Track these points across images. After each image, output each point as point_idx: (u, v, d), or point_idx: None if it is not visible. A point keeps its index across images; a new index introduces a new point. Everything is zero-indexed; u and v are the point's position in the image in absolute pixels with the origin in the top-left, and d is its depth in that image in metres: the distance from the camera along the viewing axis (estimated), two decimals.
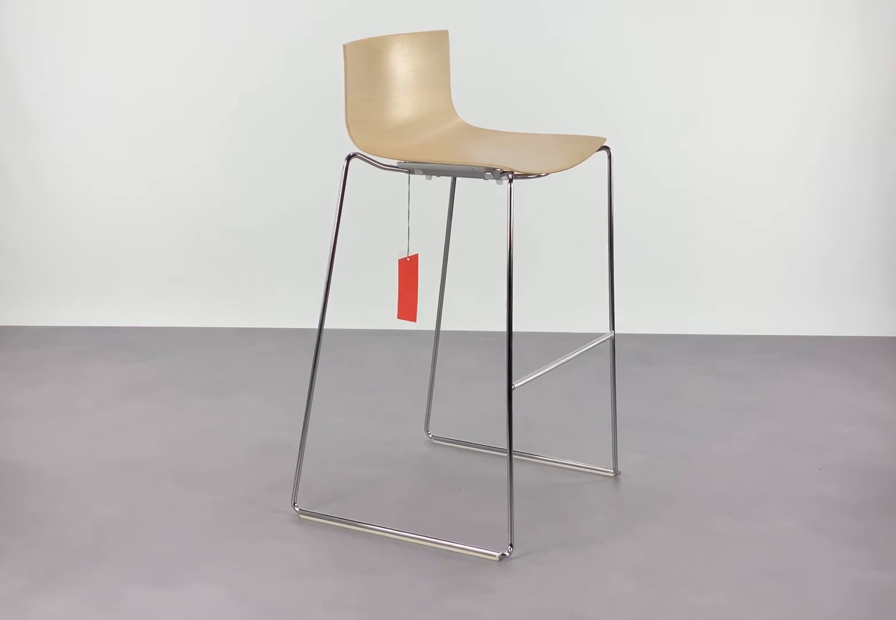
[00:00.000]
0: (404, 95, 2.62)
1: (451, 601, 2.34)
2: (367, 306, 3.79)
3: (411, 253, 2.66)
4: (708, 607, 2.33)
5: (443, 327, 3.06)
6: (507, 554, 2.49)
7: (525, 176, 2.43)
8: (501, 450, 2.96)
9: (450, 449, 3.02)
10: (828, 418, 3.19)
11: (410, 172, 2.53)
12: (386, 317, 3.75)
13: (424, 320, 3.67)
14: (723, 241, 3.83)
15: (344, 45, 2.44)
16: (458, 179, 2.79)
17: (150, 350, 3.67)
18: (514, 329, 2.57)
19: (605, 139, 2.67)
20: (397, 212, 3.39)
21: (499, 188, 3.36)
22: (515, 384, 2.51)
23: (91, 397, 3.32)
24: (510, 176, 2.41)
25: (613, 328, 2.83)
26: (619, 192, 3.62)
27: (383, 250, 3.65)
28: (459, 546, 2.52)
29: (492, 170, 2.42)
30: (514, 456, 2.93)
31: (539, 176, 2.44)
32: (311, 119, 3.80)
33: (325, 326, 2.67)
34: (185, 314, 3.88)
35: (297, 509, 2.66)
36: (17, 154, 3.85)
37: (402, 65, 2.61)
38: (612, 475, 2.86)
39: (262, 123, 3.83)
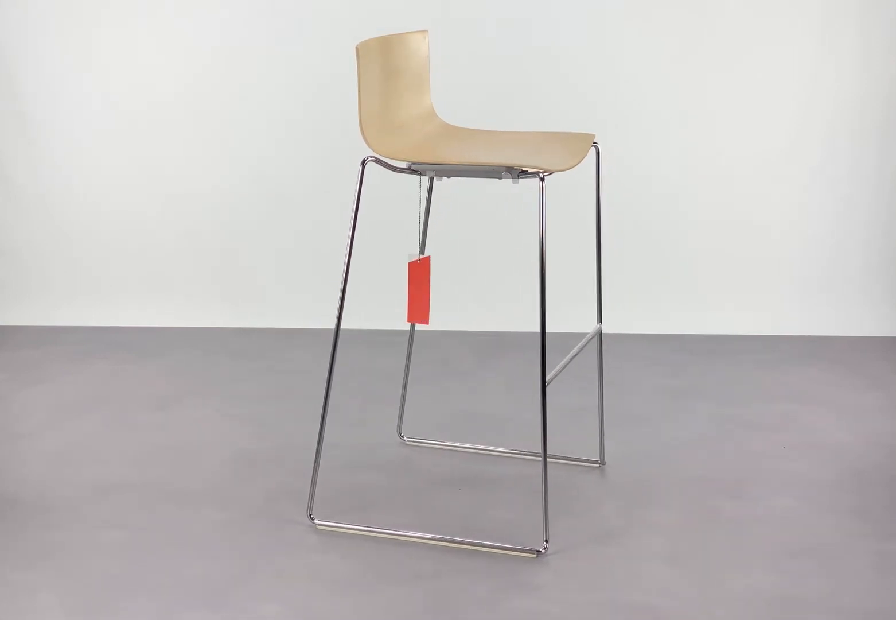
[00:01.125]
0: (400, 97, 2.60)
1: (513, 601, 2.31)
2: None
3: (422, 255, 2.64)
4: (755, 585, 2.36)
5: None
6: (543, 551, 2.48)
7: (543, 174, 2.42)
8: (479, 449, 2.97)
9: (428, 450, 2.99)
10: (821, 413, 3.21)
11: (422, 173, 2.51)
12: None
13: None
14: (723, 241, 3.83)
15: (357, 47, 2.42)
16: (434, 179, 2.78)
17: (150, 350, 3.65)
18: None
19: (594, 135, 2.67)
20: (392, 212, 3.40)
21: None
22: (548, 379, 2.50)
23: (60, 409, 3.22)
24: (541, 174, 2.40)
25: (601, 321, 2.84)
26: (620, 192, 3.63)
27: (380, 252, 3.64)
28: (495, 546, 2.49)
29: (509, 169, 2.41)
30: (498, 453, 2.95)
31: (542, 174, 2.42)
32: (310, 120, 3.79)
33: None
34: (185, 314, 3.87)
35: (314, 520, 2.61)
36: (17, 155, 3.83)
37: (396, 66, 2.59)
38: (598, 465, 2.88)
39: (261, 122, 3.82)
